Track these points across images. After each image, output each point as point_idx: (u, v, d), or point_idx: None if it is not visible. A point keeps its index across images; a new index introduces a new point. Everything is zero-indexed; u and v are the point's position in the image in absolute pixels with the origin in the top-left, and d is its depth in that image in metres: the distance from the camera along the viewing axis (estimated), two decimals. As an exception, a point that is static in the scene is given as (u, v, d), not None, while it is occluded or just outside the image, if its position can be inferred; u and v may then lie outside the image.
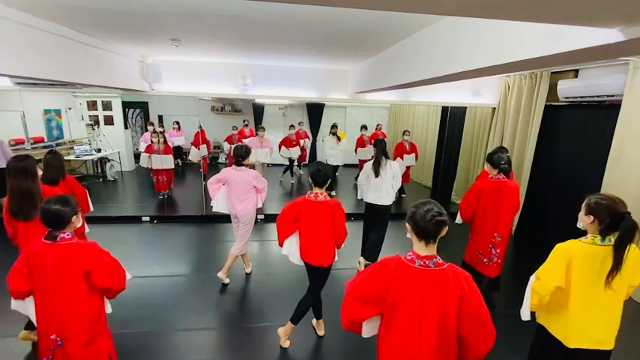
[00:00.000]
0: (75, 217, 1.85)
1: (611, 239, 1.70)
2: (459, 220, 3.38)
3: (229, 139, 7.32)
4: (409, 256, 1.49)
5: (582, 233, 1.84)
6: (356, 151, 7.16)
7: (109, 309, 2.06)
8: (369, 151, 6.92)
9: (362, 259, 4.02)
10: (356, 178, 6.97)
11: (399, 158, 6.53)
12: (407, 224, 1.51)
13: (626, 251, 1.64)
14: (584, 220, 1.81)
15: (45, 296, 1.82)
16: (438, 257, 1.47)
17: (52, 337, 1.84)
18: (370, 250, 4.01)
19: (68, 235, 1.82)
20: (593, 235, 1.75)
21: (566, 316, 1.81)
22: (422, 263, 1.44)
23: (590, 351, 1.80)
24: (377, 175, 3.77)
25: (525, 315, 1.92)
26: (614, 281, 1.68)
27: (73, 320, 1.83)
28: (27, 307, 1.94)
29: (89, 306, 1.88)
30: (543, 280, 1.79)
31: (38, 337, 1.89)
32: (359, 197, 4.18)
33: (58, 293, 1.80)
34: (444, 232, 1.45)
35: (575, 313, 1.78)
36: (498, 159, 3.14)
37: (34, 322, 1.93)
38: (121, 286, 1.95)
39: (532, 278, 1.87)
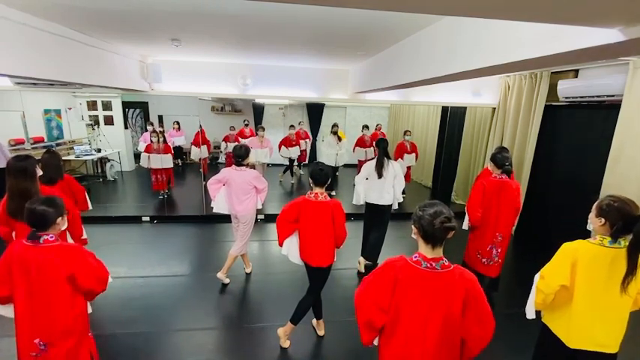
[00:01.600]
0: (60, 218, 1.80)
1: (621, 242, 1.68)
2: (465, 225, 3.30)
3: (226, 139, 7.36)
4: (415, 257, 1.47)
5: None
6: (354, 150, 7.15)
7: (89, 309, 2.01)
8: (366, 152, 6.91)
9: (362, 259, 4.02)
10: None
11: (399, 159, 6.53)
12: (413, 226, 1.50)
13: None
14: (594, 222, 1.78)
15: (29, 300, 1.75)
16: (445, 259, 1.46)
17: (35, 341, 1.77)
18: (370, 250, 4.01)
19: (52, 237, 1.76)
20: (602, 237, 1.73)
21: (569, 316, 1.79)
22: (429, 265, 1.43)
23: (592, 353, 1.77)
24: (380, 176, 3.76)
25: (530, 313, 1.91)
26: (629, 285, 1.66)
27: (58, 324, 1.79)
28: (7, 312, 1.87)
29: (73, 308, 1.83)
30: (547, 279, 1.78)
31: (18, 341, 1.80)
32: (354, 202, 3.93)
33: (43, 296, 1.75)
34: (450, 235, 1.44)
35: (578, 313, 1.77)
36: (502, 159, 3.13)
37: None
38: (103, 287, 1.92)
39: (537, 276, 1.86)
